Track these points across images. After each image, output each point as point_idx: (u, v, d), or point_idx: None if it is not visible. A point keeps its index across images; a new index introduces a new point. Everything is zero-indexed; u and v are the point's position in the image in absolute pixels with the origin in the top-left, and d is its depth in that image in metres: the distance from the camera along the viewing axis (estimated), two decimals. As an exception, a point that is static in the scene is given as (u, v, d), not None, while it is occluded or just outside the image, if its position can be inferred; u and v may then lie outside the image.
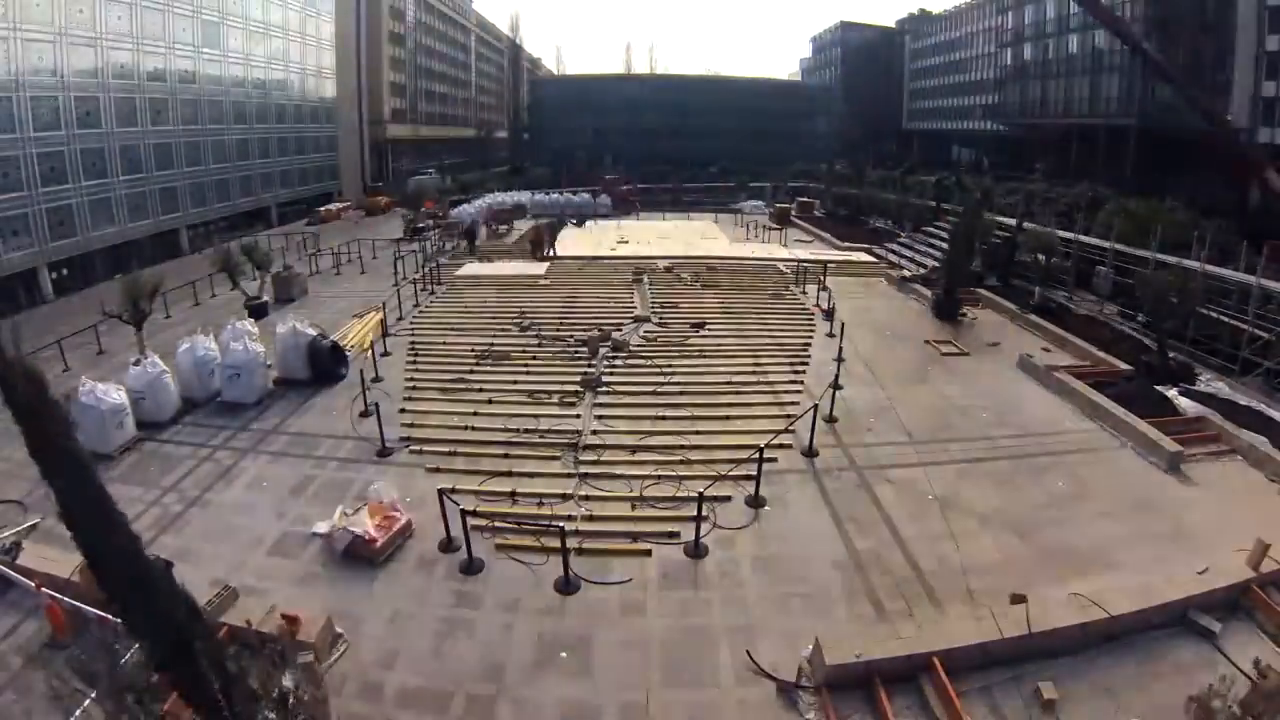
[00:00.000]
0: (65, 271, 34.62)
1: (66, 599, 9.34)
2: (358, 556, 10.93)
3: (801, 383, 17.94)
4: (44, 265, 33.31)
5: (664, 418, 15.73)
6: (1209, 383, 18.24)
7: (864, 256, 34.69)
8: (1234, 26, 47.15)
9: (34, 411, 4.99)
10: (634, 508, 12.45)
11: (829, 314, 23.19)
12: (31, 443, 5.14)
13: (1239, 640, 9.27)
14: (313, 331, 18.57)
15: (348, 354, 19.30)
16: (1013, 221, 29.40)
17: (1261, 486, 13.32)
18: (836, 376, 16.71)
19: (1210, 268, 20.70)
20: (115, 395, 14.71)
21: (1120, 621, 9.19)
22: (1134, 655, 9.04)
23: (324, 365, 18.09)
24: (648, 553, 11.09)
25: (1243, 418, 15.87)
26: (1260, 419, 16.02)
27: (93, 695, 5.63)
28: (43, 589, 9.50)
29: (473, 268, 31.88)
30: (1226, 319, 19.93)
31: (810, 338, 21.53)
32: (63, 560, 9.96)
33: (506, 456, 14.12)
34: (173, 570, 8.09)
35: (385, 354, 19.96)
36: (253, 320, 20.71)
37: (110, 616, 7.46)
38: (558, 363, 19.21)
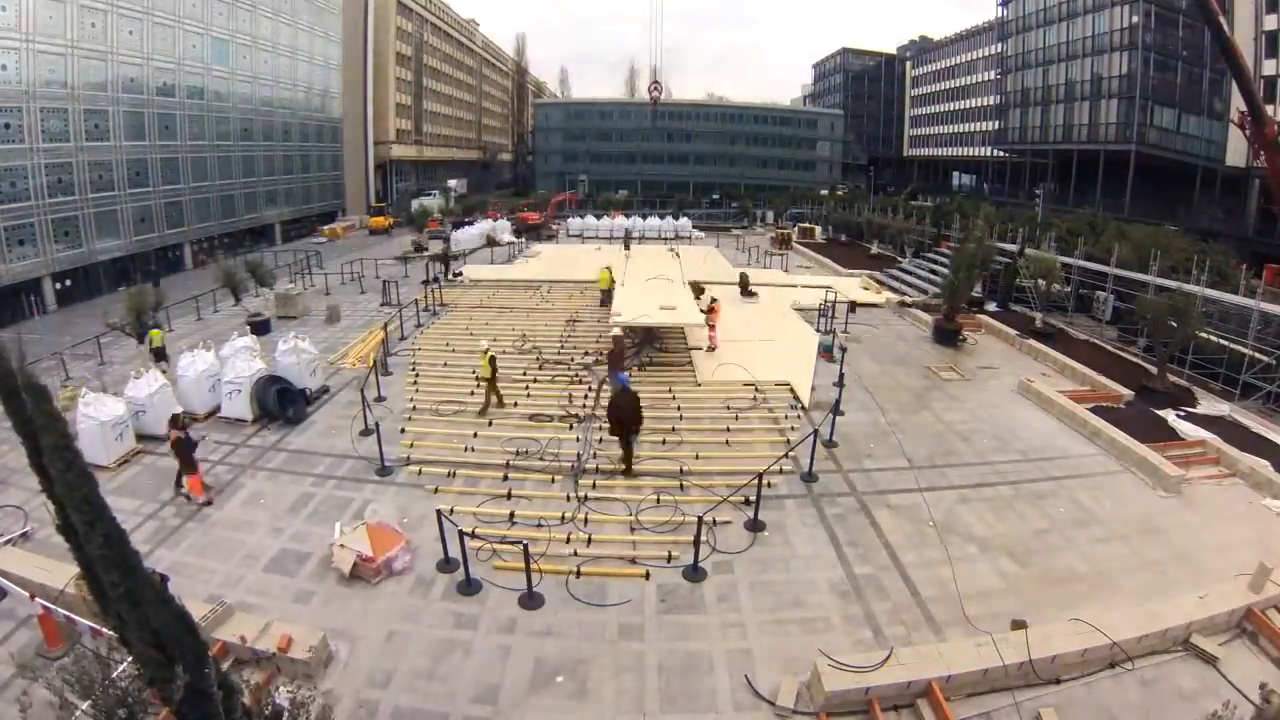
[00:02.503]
0: (69, 283, 34.83)
1: (60, 609, 9.29)
2: (355, 575, 10.88)
3: (802, 407, 17.92)
4: (48, 276, 33.52)
5: (664, 442, 15.70)
6: (1210, 406, 18.24)
7: (867, 282, 34.75)
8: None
9: (35, 422, 5.00)
10: (633, 531, 12.38)
11: (830, 352, 22.21)
12: (31, 453, 5.14)
13: (1242, 665, 9.21)
14: (313, 349, 18.58)
15: (307, 393, 18.09)
16: (1013, 247, 29.56)
17: (1262, 510, 13.29)
18: (837, 401, 16.69)
19: (1210, 291, 20.78)
20: (115, 407, 14.72)
21: (1122, 647, 9.13)
22: (1136, 681, 8.98)
23: (270, 408, 16.96)
24: (646, 575, 11.03)
25: (1243, 441, 15.86)
26: (1261, 442, 16.01)
27: (83, 708, 5.58)
28: (36, 598, 9.46)
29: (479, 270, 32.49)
30: (1227, 343, 19.98)
31: (810, 362, 21.48)
32: (57, 570, 9.95)
33: (506, 479, 14.07)
34: (168, 584, 8.06)
35: (387, 373, 19.96)
36: (254, 336, 20.74)
37: (103, 629, 7.43)
38: (558, 385, 19.16)
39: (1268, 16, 43.65)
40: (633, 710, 8.55)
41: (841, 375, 18.06)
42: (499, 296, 30.13)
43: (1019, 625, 9.59)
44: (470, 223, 51.23)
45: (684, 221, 53.00)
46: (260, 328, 24.09)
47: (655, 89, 38.61)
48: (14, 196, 31.45)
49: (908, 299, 30.36)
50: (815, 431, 14.73)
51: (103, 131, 36.41)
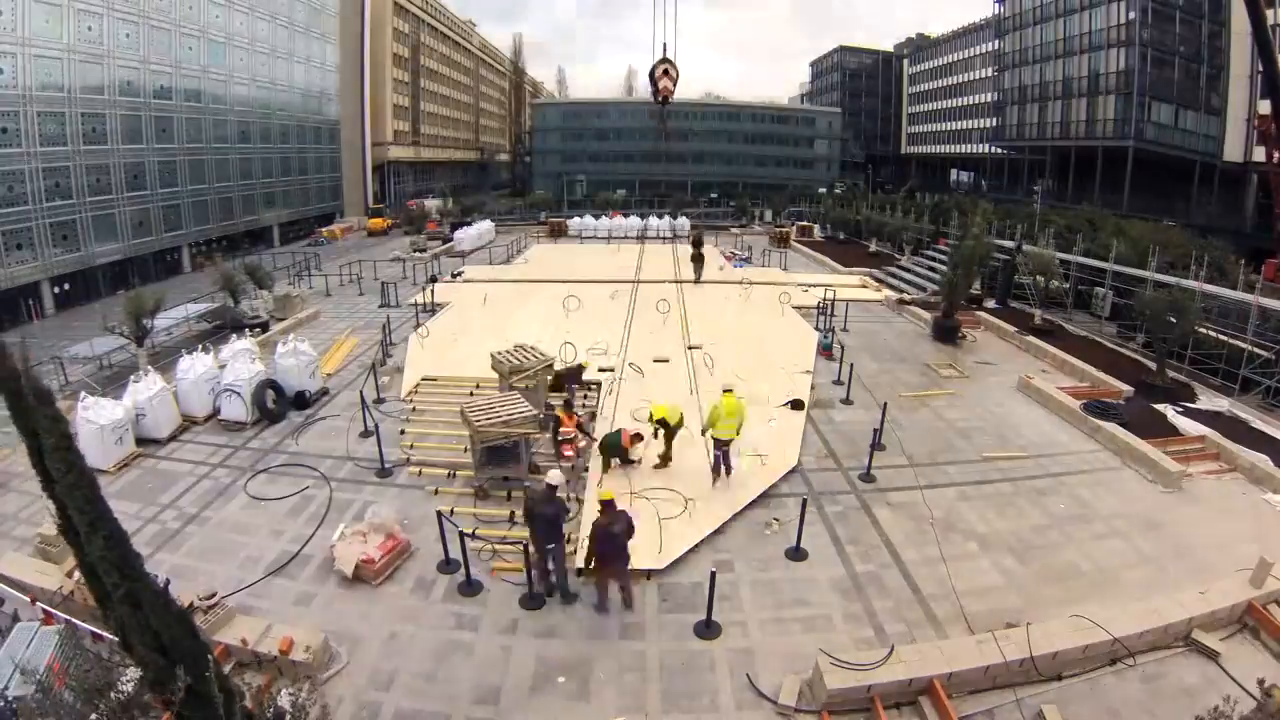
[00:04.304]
0: (68, 286, 34.80)
1: (61, 613, 9.29)
2: (356, 577, 10.88)
3: (801, 404, 17.90)
4: (46, 280, 33.50)
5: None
6: (1210, 402, 18.25)
7: (865, 280, 34.77)
8: (1227, 47, 47.78)
9: (38, 425, 5.00)
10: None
11: (830, 349, 22.19)
12: (34, 454, 5.15)
13: (1244, 660, 9.21)
14: (311, 351, 18.61)
15: (306, 394, 18.17)
16: (1012, 244, 29.58)
17: (1263, 505, 13.30)
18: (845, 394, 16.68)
19: (1208, 287, 20.79)
20: (114, 410, 14.72)
21: (1123, 643, 9.13)
22: (1138, 677, 8.98)
23: (265, 409, 17.17)
24: (648, 576, 11.01)
25: (1243, 436, 15.88)
26: (1261, 437, 16.02)
27: (82, 708, 5.58)
28: (37, 602, 9.46)
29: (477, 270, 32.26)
30: (1226, 338, 20.00)
31: (809, 360, 21.48)
32: (58, 574, 9.97)
33: (506, 479, 14.04)
34: (169, 588, 8.05)
35: (385, 375, 19.93)
36: (253, 339, 20.73)
37: (105, 633, 7.42)
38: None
39: (1266, 12, 43.57)
40: (634, 710, 8.55)
41: (839, 372, 18.07)
42: (497, 297, 30.07)
43: (1012, 628, 9.58)
44: (469, 223, 51.27)
45: (682, 220, 52.85)
46: (258, 330, 24.07)
47: (666, 74, 14.16)
48: (11, 200, 31.41)
49: (906, 296, 30.37)
50: (817, 430, 14.74)
51: (100, 135, 36.32)
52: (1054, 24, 61.99)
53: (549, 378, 16.29)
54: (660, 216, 54.28)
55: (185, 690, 4.94)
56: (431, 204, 64.91)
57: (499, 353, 16.25)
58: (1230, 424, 16.76)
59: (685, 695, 8.76)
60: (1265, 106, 36.20)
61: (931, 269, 34.10)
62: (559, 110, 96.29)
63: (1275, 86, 28.21)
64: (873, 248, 43.58)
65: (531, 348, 16.66)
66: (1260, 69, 39.94)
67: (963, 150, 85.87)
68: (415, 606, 10.43)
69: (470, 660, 9.33)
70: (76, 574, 10.07)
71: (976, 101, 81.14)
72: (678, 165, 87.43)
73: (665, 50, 13.83)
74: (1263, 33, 27.73)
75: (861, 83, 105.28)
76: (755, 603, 10.49)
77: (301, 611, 10.26)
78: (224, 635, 9.12)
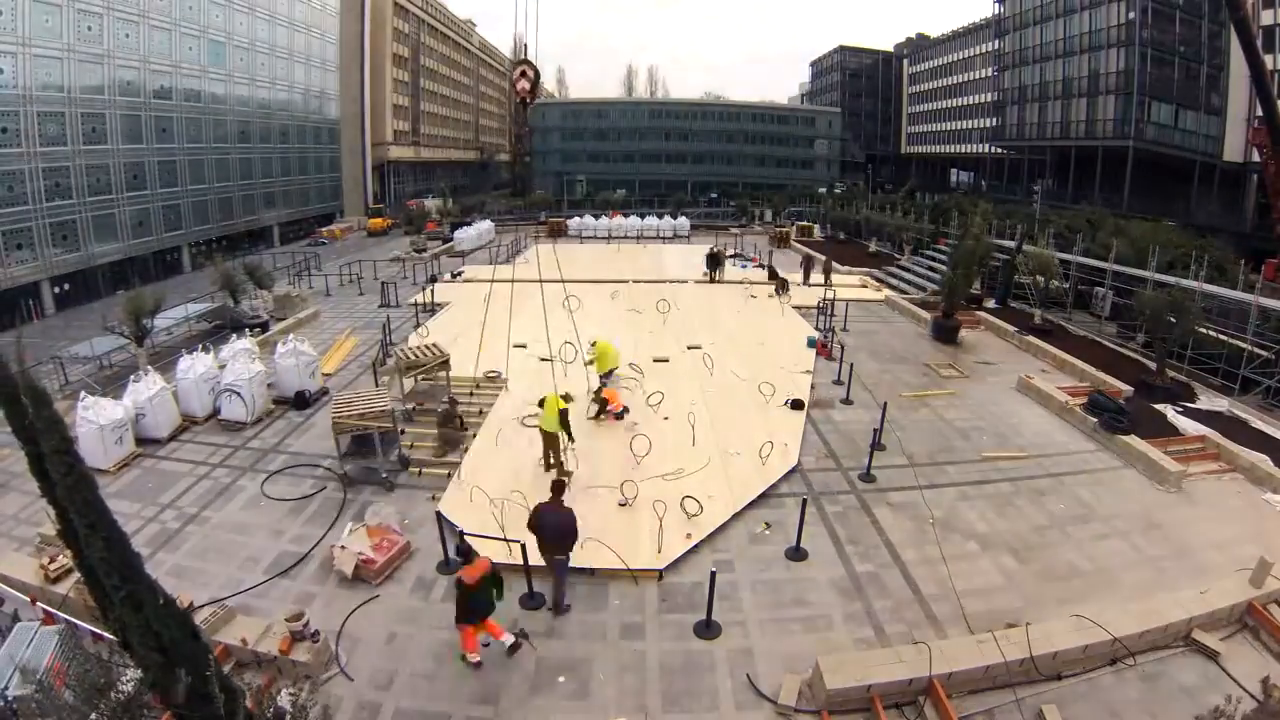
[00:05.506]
0: (67, 286, 34.80)
1: (61, 614, 9.29)
2: (356, 577, 10.87)
3: (801, 404, 17.89)
4: (46, 280, 33.50)
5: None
6: (1210, 401, 18.25)
7: (865, 280, 34.79)
8: (1227, 47, 47.73)
9: (35, 427, 4.98)
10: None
11: (827, 346, 22.51)
12: (32, 458, 5.13)
13: (1244, 660, 9.21)
14: (311, 351, 18.59)
15: (306, 394, 18.42)
16: (1012, 244, 29.57)
17: (1263, 505, 13.30)
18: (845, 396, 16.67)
19: (1208, 287, 20.80)
20: (114, 410, 14.71)
21: (1123, 643, 9.13)
22: (1138, 677, 8.98)
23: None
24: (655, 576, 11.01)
25: (1243, 436, 15.87)
26: (1261, 437, 16.02)
27: (84, 709, 5.58)
28: (37, 602, 9.45)
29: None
30: (1226, 338, 20.01)
31: (810, 360, 21.48)
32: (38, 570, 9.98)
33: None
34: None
35: (385, 375, 19.91)
36: (253, 339, 20.73)
37: (105, 633, 7.42)
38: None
39: (1264, 11, 43.65)
40: (634, 710, 8.55)
41: (840, 372, 18.05)
42: (498, 296, 30.05)
43: (1012, 628, 9.59)
44: (469, 223, 51.30)
45: (682, 220, 52.93)
46: (258, 329, 24.06)
47: (523, 75, 13.04)
48: (11, 200, 31.43)
49: (906, 296, 30.36)
50: (817, 431, 14.73)
51: (100, 135, 36.32)
52: (1054, 24, 61.97)
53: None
54: (660, 217, 54.31)
55: (185, 690, 4.94)
56: (431, 204, 64.90)
57: (402, 348, 17.89)
58: (1230, 424, 16.76)
59: (685, 695, 8.76)
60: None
61: (931, 269, 34.11)
62: (559, 110, 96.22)
63: (1267, 97, 28.43)
64: (873, 248, 43.59)
65: (433, 345, 18.57)
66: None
67: (962, 150, 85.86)
68: (415, 607, 10.43)
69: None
70: (54, 565, 10.10)
71: (976, 101, 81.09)
72: (678, 165, 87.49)
73: (525, 51, 13.96)
74: (1252, 50, 27.83)
75: (861, 83, 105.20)
76: (755, 603, 10.49)
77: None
78: (224, 635, 9.12)
